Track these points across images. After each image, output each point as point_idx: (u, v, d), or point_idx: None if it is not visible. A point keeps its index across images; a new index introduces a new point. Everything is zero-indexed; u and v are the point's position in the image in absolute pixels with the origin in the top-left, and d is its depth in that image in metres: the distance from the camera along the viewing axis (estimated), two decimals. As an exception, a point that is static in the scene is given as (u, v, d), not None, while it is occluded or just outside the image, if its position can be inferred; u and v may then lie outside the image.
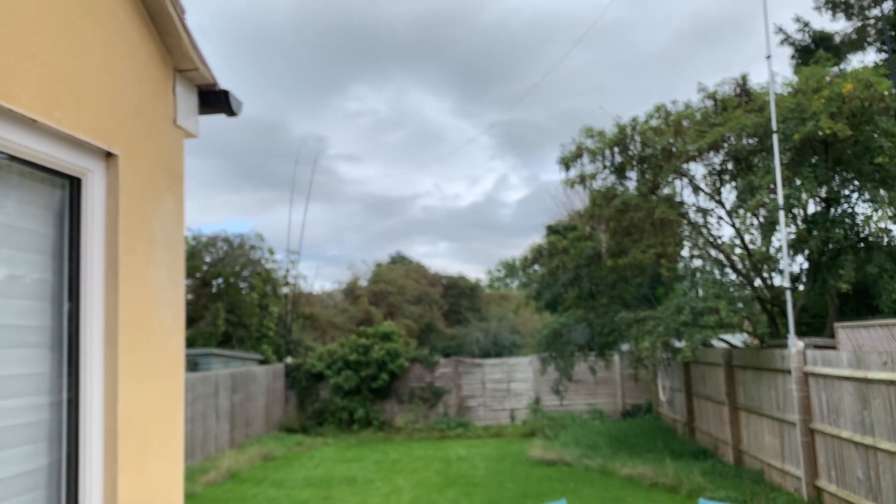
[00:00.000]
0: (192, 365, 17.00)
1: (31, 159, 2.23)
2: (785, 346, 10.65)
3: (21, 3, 2.10)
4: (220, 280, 22.35)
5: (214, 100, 3.20)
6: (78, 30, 2.37)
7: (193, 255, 21.95)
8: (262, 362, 21.10)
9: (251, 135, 44.86)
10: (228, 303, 21.86)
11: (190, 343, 19.31)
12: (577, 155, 14.00)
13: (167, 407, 2.83)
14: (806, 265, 12.62)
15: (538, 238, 18.47)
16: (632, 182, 13.96)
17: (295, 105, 53.41)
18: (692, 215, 13.63)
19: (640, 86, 41.40)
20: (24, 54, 2.10)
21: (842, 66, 16.61)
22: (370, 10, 42.08)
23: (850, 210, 11.53)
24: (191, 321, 20.77)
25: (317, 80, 51.50)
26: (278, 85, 50.45)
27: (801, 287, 12.69)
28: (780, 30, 18.58)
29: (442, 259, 67.16)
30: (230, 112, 3.23)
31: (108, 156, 2.53)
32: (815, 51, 17.13)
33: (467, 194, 65.93)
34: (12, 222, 2.23)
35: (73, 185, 2.45)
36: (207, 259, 22.63)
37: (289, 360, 21.51)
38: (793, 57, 18.60)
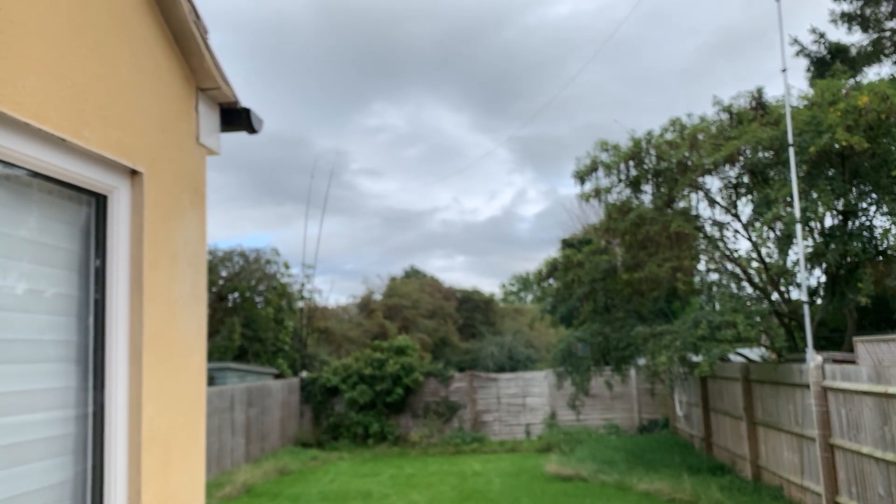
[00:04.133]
0: (209, 379, 17.08)
1: (59, 177, 2.28)
2: (803, 360, 10.56)
3: (52, 26, 2.16)
4: (235, 294, 22.48)
5: (236, 117, 3.25)
6: (106, 51, 2.42)
7: (210, 269, 22.11)
8: (278, 376, 21.17)
9: (274, 150, 45.42)
10: (244, 317, 21.97)
11: (206, 357, 19.39)
12: (592, 169, 14.01)
13: (190, 421, 2.86)
14: (823, 279, 12.53)
15: (555, 252, 18.44)
16: (647, 196, 13.94)
17: (317, 121, 54.00)
18: (708, 229, 13.59)
19: (662, 100, 41.54)
20: (55, 76, 2.15)
21: (858, 79, 16.55)
22: (391, 28, 42.58)
23: (867, 223, 11.45)
24: (207, 335, 20.86)
25: (338, 97, 52.03)
26: (301, 101, 51.05)
27: (819, 301, 12.60)
28: (796, 41, 18.54)
29: (458, 273, 67.19)
30: (251, 130, 3.28)
31: (134, 173, 2.58)
32: (831, 63, 17.10)
33: (485, 208, 66.04)
34: (40, 238, 2.27)
35: (99, 202, 2.49)
36: (223, 273, 22.78)
37: (304, 374, 21.56)
38: (808, 69, 18.55)
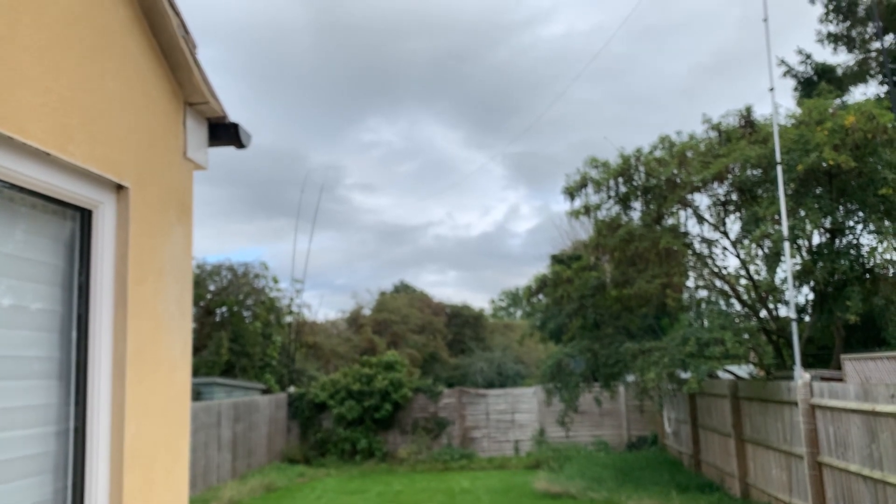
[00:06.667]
0: (195, 394, 16.94)
1: (44, 192, 2.25)
2: (791, 377, 10.58)
3: (38, 41, 2.14)
4: (223, 309, 22.35)
5: (224, 132, 3.23)
6: (93, 65, 2.41)
7: (198, 283, 21.98)
8: (265, 392, 21.02)
9: (268, 164, 45.46)
10: (232, 331, 21.83)
11: (193, 372, 19.11)
12: (582, 185, 14.05)
13: (173, 438, 2.82)
14: (811, 296, 12.58)
15: (545, 268, 18.46)
16: (636, 212, 13.99)
17: (311, 136, 54.21)
18: (697, 246, 13.63)
19: (657, 118, 41.97)
20: (39, 90, 2.13)
21: (844, 99, 16.72)
22: (387, 45, 42.89)
23: (855, 241, 11.52)
24: (194, 350, 20.72)
25: (333, 112, 52.31)
26: (296, 116, 51.26)
27: (807, 318, 12.65)
28: (783, 62, 18.74)
29: (450, 288, 67.23)
30: (239, 145, 3.27)
31: (119, 188, 2.56)
32: (817, 83, 17.27)
33: (478, 224, 66.28)
34: (23, 253, 2.25)
35: (84, 217, 2.47)
36: (211, 287, 22.66)
37: (291, 389, 21.42)
38: (795, 89, 18.74)
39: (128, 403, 2.48)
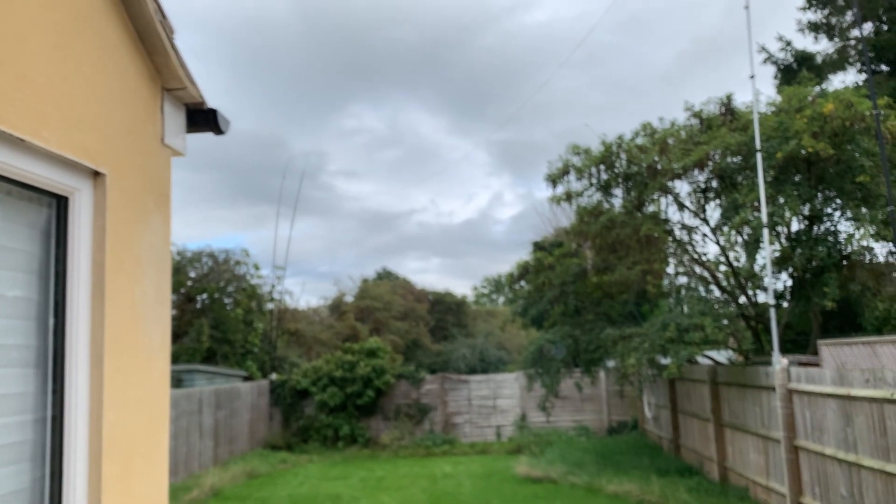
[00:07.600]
0: (176, 381, 16.87)
1: (19, 178, 2.22)
2: (769, 363, 10.71)
3: (11, 24, 2.11)
4: (204, 295, 22.22)
5: (202, 118, 3.20)
6: (69, 50, 2.37)
7: (178, 270, 21.83)
8: (247, 379, 20.97)
9: (251, 151, 45.11)
10: (213, 318, 21.72)
11: (174, 359, 19.14)
12: (564, 172, 14.08)
13: (152, 426, 2.81)
14: (790, 282, 12.72)
15: (527, 255, 18.53)
16: (617, 199, 14.04)
17: (294, 122, 53.83)
18: (677, 232, 13.72)
19: (642, 106, 42.10)
20: (13, 75, 2.10)
21: (823, 86, 16.84)
22: (371, 32, 42.63)
23: (832, 228, 11.64)
24: (175, 337, 20.61)
25: (316, 99, 51.98)
26: (279, 102, 50.86)
27: (786, 304, 12.79)
28: (763, 49, 18.84)
29: (434, 275, 67.38)
30: (218, 130, 3.24)
31: (96, 175, 2.53)
32: (797, 70, 17.39)
33: (462, 211, 66.37)
34: (-2, 241, 2.22)
35: (61, 204, 2.44)
36: (192, 274, 22.51)
37: (273, 376, 21.38)
38: (776, 76, 18.85)
39: (106, 392, 2.47)
